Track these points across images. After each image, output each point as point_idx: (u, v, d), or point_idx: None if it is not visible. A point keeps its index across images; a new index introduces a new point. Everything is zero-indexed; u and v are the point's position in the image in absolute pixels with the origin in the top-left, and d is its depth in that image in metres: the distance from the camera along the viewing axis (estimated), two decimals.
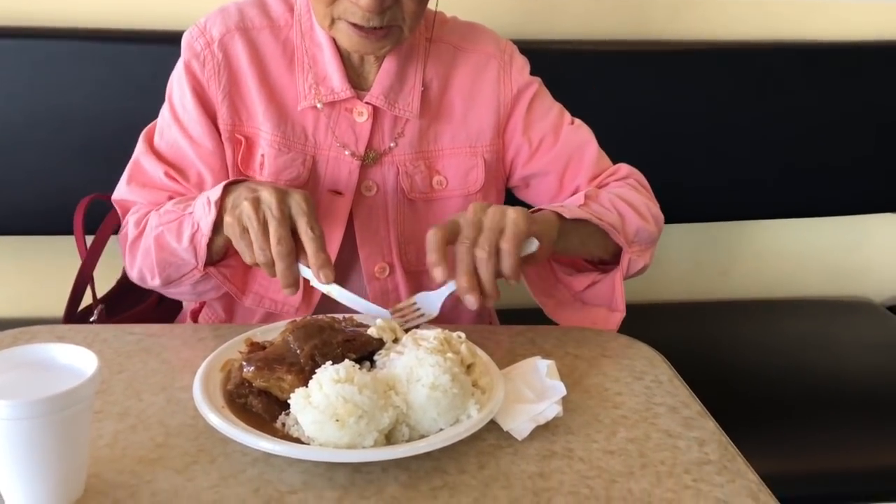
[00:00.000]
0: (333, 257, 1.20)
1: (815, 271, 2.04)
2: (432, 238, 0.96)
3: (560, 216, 1.07)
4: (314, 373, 0.84)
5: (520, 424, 0.85)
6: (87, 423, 0.72)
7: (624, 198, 1.19)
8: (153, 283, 1.18)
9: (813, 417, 1.56)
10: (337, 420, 0.77)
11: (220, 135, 1.21)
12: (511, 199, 1.34)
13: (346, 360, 0.83)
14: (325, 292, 0.98)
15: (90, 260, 1.33)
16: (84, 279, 1.33)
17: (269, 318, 1.25)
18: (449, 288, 0.98)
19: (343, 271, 1.24)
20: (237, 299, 1.22)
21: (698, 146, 1.83)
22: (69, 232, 1.38)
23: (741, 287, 2.02)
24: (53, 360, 0.75)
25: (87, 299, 1.34)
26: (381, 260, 1.24)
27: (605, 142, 1.30)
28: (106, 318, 1.32)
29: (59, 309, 1.33)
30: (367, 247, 1.23)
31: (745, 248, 2.02)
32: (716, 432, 0.88)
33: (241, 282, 1.22)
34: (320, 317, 0.95)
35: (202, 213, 1.06)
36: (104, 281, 1.37)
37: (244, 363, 0.86)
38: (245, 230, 0.98)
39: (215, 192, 1.04)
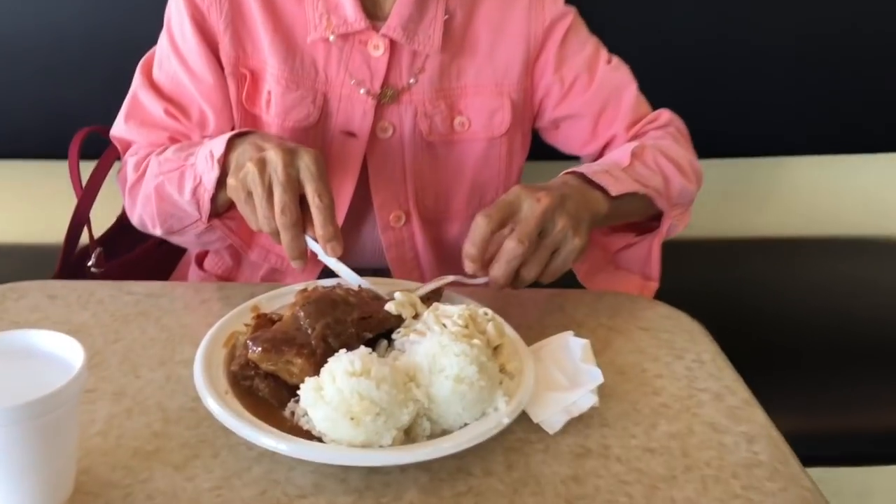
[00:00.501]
0: (346, 205, 1.12)
1: (851, 209, 1.94)
2: (480, 229, 0.88)
3: (606, 193, 0.98)
4: (326, 356, 0.76)
5: (551, 416, 0.78)
6: (71, 424, 0.65)
7: (667, 154, 1.09)
8: (155, 231, 1.11)
9: (844, 369, 1.48)
10: (352, 418, 0.69)
11: (223, 69, 1.10)
12: (538, 141, 1.24)
13: (362, 348, 0.75)
14: (335, 270, 0.89)
15: (86, 199, 1.25)
16: (80, 220, 1.25)
17: (275, 271, 1.17)
18: (477, 280, 0.90)
19: (356, 220, 1.16)
20: (242, 252, 1.14)
21: (732, 79, 1.71)
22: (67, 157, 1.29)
23: (773, 224, 1.93)
24: (35, 347, 0.67)
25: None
26: (396, 208, 1.15)
27: (636, 73, 1.20)
28: (105, 261, 1.24)
29: (61, 235, 1.25)
30: (381, 193, 1.14)
31: (777, 185, 1.92)
32: (765, 425, 0.80)
33: (247, 234, 1.13)
34: (333, 286, 0.86)
35: (205, 167, 0.97)
36: (103, 211, 1.28)
37: (250, 342, 0.78)
38: (250, 194, 0.89)
39: (219, 147, 0.94)
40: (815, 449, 1.35)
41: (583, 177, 0.99)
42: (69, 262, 1.24)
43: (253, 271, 1.19)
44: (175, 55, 1.11)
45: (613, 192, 0.98)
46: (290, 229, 0.87)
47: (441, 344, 0.75)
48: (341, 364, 0.71)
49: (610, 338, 0.92)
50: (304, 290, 0.86)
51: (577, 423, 0.78)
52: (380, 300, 0.85)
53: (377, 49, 1.09)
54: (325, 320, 0.79)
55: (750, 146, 1.80)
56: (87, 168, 1.29)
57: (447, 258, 1.19)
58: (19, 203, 1.78)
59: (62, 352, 0.66)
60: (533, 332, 0.91)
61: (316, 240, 0.87)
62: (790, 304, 1.67)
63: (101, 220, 1.30)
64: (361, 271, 1.21)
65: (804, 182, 1.93)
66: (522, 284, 0.91)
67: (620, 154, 1.08)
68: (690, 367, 0.88)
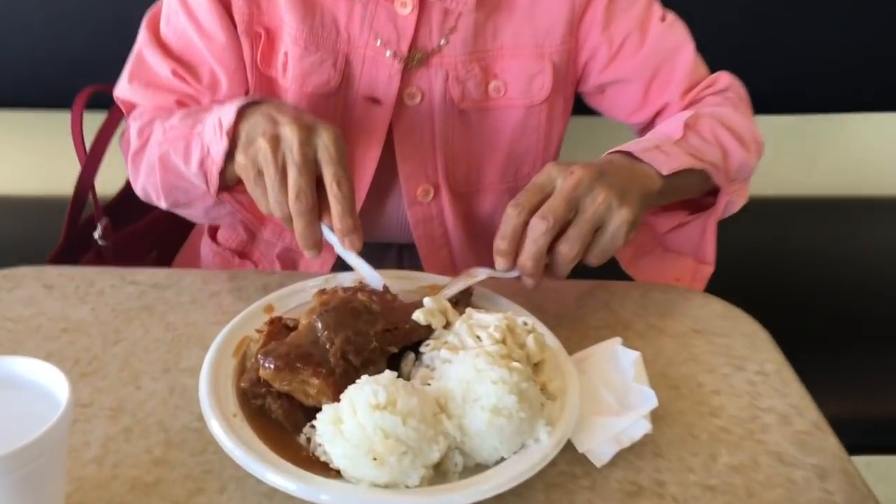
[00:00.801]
0: (369, 178, 1.02)
1: None
2: (510, 220, 0.78)
3: (658, 171, 0.86)
4: (346, 375, 0.68)
5: (599, 445, 0.69)
6: (56, 469, 0.57)
7: (726, 123, 0.97)
8: (160, 203, 1.02)
9: None
10: (374, 458, 0.61)
11: (236, 27, 0.99)
12: (580, 105, 1.12)
13: (387, 373, 0.66)
14: (351, 265, 0.80)
15: (90, 167, 1.16)
16: (84, 188, 1.16)
17: (291, 249, 1.08)
18: (510, 273, 0.79)
19: (380, 195, 1.06)
20: (254, 230, 1.06)
21: (785, 31, 1.58)
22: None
23: (827, 183, 1.81)
24: (15, 375, 0.59)
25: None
26: (424, 181, 1.05)
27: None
28: (112, 231, 1.16)
29: (71, 186, 1.17)
30: (408, 165, 1.04)
31: (833, 142, 1.79)
32: (839, 456, 0.71)
33: (259, 211, 1.04)
34: (354, 287, 0.77)
35: (213, 137, 0.87)
36: (110, 171, 1.20)
37: (261, 357, 0.69)
38: (260, 174, 0.80)
39: (228, 116, 0.85)
40: (866, 436, 1.27)
41: (630, 155, 0.89)
42: (74, 231, 1.15)
43: (268, 248, 1.11)
44: (183, 10, 1.00)
45: (665, 170, 0.87)
46: (304, 216, 0.77)
47: (476, 368, 0.66)
48: (363, 394, 0.63)
49: (661, 343, 0.83)
50: (323, 291, 0.77)
51: (628, 453, 0.70)
52: (407, 306, 0.76)
53: (405, 6, 0.97)
54: (346, 333, 0.70)
55: (801, 102, 1.67)
56: (94, 120, 1.20)
57: (479, 235, 1.09)
58: (27, 154, 1.70)
59: (45, 380, 0.58)
60: (575, 336, 0.82)
61: (333, 230, 0.78)
62: (840, 270, 1.58)
63: (109, 178, 1.22)
64: (386, 247, 1.14)
65: (858, 139, 1.81)
66: (563, 268, 0.80)
67: (672, 126, 0.97)
68: (752, 382, 0.79)
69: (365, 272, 0.80)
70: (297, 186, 0.78)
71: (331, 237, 0.79)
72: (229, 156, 0.86)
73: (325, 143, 0.78)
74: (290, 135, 0.78)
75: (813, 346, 1.23)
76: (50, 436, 0.53)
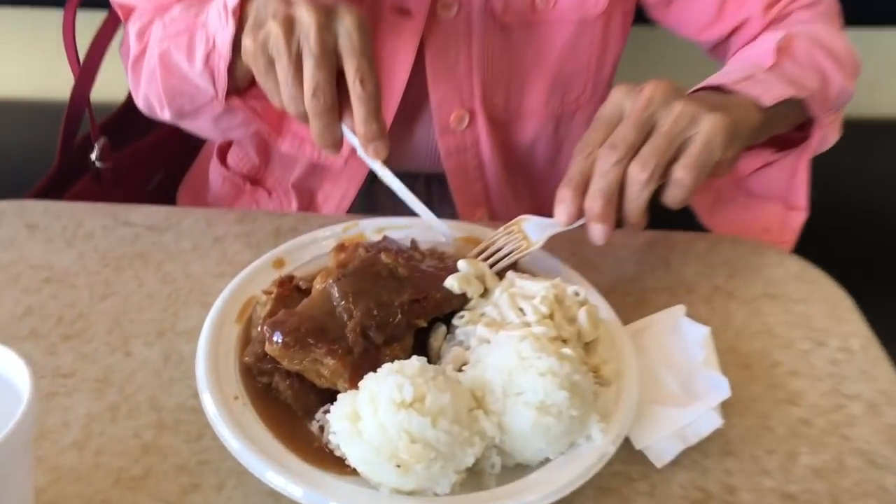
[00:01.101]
0: (396, 102, 0.90)
1: None
2: (579, 165, 0.66)
3: (757, 104, 0.73)
4: (366, 354, 0.58)
5: (659, 442, 0.59)
6: (17, 479, 0.48)
7: (823, 44, 0.84)
8: (163, 114, 0.89)
9: None
10: (398, 465, 0.51)
11: None
12: (639, 18, 0.98)
13: (414, 359, 0.56)
14: (376, 172, 0.70)
15: (85, 79, 1.03)
16: (79, 104, 1.04)
17: (313, 170, 0.96)
18: (571, 225, 0.67)
19: (408, 121, 0.94)
20: (270, 142, 0.94)
21: None
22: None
23: (891, 103, 1.65)
24: None
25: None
26: (458, 106, 0.92)
27: None
28: (111, 152, 1.04)
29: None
30: (441, 87, 0.91)
31: None
32: None
33: (276, 119, 0.92)
34: (378, 244, 0.67)
35: (217, 23, 0.74)
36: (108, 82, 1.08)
37: (268, 330, 0.59)
38: (271, 63, 0.68)
39: None
40: None
41: (720, 90, 0.75)
42: (69, 154, 1.04)
43: (284, 169, 0.99)
44: None
45: (767, 100, 0.74)
46: (321, 116, 0.66)
47: (520, 355, 0.55)
48: (386, 388, 0.53)
49: (730, 311, 0.72)
50: (342, 247, 0.67)
51: (692, 450, 0.60)
52: (439, 258, 0.66)
53: None
54: (366, 304, 0.59)
55: (868, 14, 1.49)
56: (95, 21, 1.07)
57: (517, 168, 0.98)
58: (26, 54, 1.58)
59: (6, 370, 0.49)
60: (630, 300, 0.72)
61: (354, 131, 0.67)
62: None
63: (110, 90, 1.10)
64: (414, 177, 1.02)
65: None
66: (635, 198, 0.65)
67: (761, 51, 0.83)
68: (836, 361, 0.68)
69: (389, 181, 0.70)
70: (314, 81, 0.66)
71: (353, 138, 0.68)
72: (237, 45, 0.74)
73: (347, 29, 0.66)
74: (306, 18, 0.66)
75: (878, 282, 1.13)
76: (10, 441, 0.44)
